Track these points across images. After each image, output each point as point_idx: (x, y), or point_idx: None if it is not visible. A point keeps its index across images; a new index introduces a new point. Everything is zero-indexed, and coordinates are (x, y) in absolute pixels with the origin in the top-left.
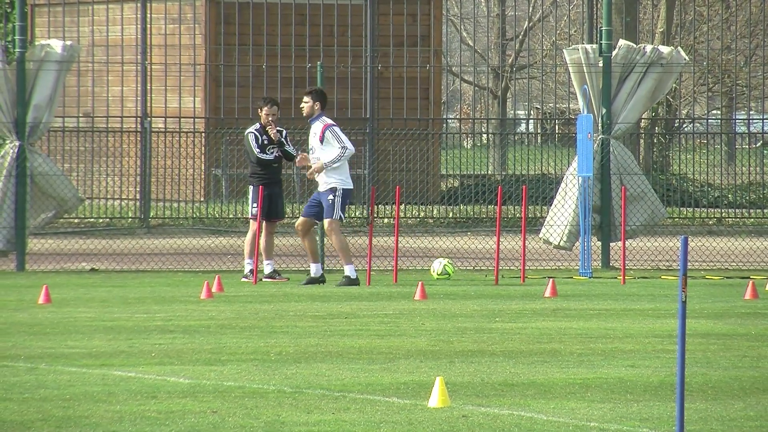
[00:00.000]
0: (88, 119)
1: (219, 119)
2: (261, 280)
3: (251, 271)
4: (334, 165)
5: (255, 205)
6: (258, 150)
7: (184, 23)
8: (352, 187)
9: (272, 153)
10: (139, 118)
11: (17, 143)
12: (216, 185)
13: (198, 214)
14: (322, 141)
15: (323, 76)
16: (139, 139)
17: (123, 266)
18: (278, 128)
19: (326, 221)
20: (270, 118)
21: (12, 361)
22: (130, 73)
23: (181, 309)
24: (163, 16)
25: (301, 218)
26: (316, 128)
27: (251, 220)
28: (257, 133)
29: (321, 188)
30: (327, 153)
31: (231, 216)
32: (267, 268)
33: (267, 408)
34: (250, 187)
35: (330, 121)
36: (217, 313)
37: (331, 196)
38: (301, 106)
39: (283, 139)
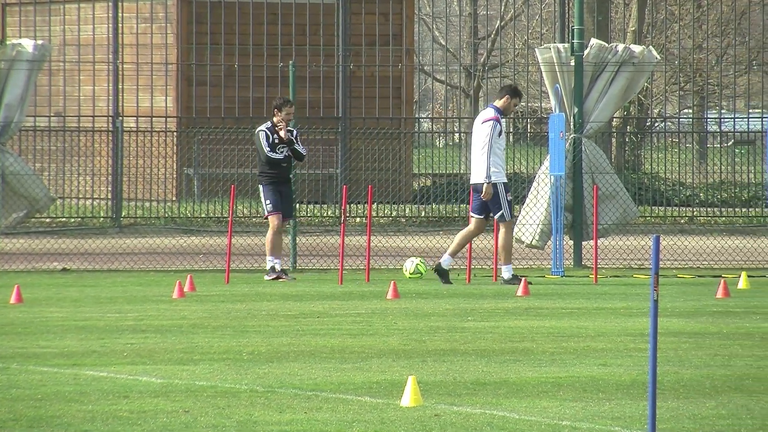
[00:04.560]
0: (59, 119)
1: (191, 118)
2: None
3: (273, 268)
4: None
5: (268, 201)
6: (268, 149)
7: (156, 22)
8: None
9: (282, 152)
10: (110, 118)
11: None
12: (188, 184)
13: (170, 213)
14: None
15: (295, 76)
16: (110, 138)
17: (95, 266)
18: (289, 128)
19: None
20: (289, 117)
21: None
22: (101, 73)
23: (153, 308)
24: (135, 15)
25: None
26: None
27: (271, 217)
28: (268, 132)
29: None
30: None
31: (203, 215)
32: (276, 265)
33: (239, 407)
34: (260, 186)
35: None
36: (189, 313)
37: None
38: None
39: (293, 138)
